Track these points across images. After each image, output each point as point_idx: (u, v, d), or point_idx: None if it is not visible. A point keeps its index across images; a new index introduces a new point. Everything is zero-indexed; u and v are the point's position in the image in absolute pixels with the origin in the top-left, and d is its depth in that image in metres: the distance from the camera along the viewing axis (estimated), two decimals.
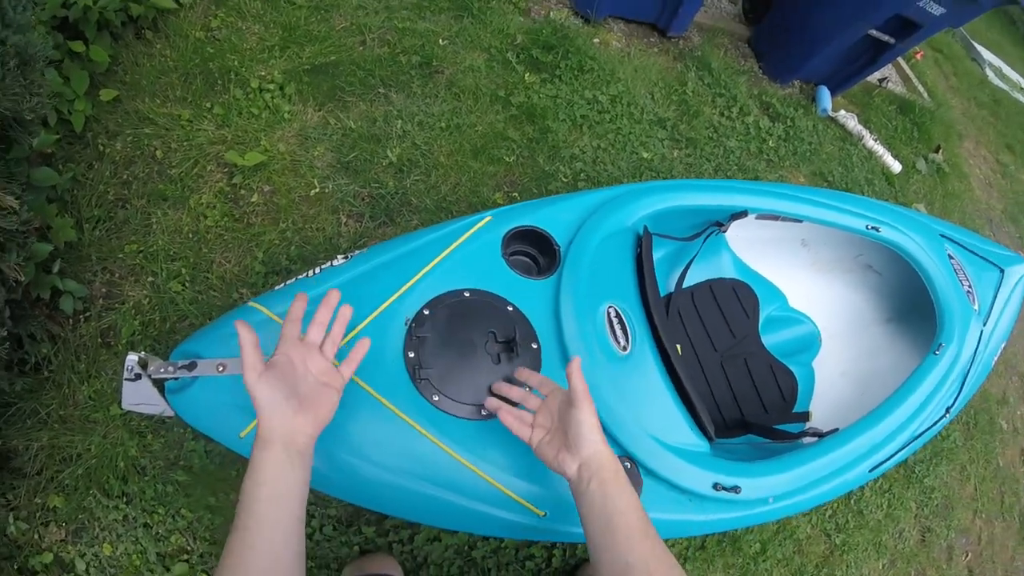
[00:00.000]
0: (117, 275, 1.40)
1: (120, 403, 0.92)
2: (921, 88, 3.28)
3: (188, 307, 1.37)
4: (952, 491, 2.07)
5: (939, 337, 1.30)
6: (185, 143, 1.56)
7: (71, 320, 1.34)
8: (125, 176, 1.50)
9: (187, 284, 1.40)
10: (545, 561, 1.40)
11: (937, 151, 2.97)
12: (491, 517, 0.86)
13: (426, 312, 0.94)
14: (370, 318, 0.92)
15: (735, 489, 0.96)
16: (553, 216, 1.15)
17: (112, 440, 1.26)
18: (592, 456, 0.72)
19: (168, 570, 1.22)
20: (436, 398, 0.88)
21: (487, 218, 1.11)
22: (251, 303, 0.94)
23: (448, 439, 0.86)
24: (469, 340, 0.94)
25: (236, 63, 1.70)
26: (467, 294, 0.99)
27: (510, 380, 0.90)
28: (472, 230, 1.08)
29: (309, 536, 1.26)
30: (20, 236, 1.10)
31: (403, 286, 0.96)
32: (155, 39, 1.68)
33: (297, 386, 0.69)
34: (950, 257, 1.45)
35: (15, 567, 1.18)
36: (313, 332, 0.73)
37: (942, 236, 1.51)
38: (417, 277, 0.98)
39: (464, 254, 1.04)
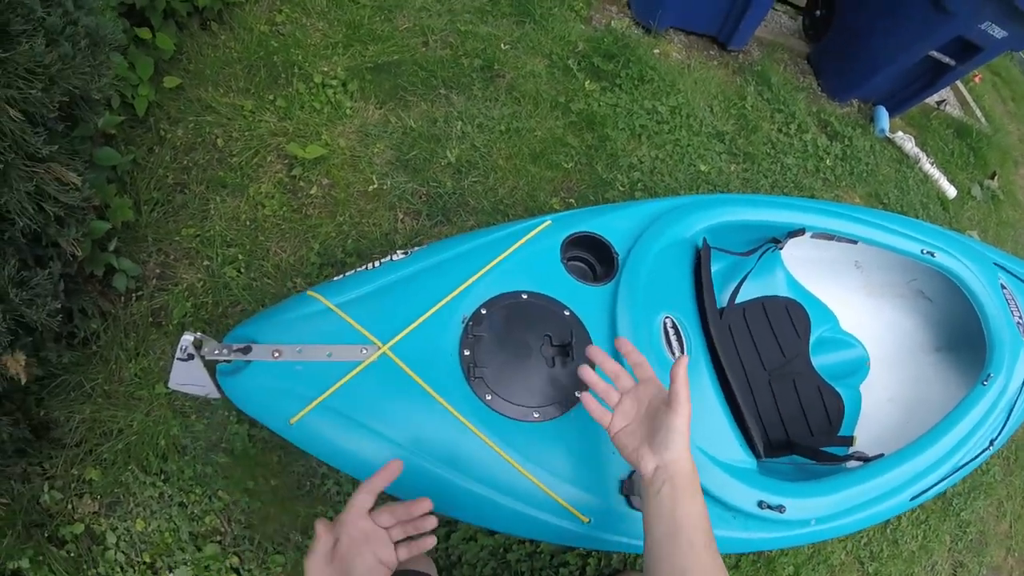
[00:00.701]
0: (172, 257, 1.43)
1: (167, 382, 0.93)
2: (979, 112, 3.19)
3: (241, 293, 1.38)
4: (988, 527, 1.98)
5: (987, 367, 1.27)
6: (246, 133, 1.59)
7: (122, 298, 1.36)
8: (185, 162, 1.53)
9: (242, 270, 1.42)
10: (579, 569, 1.36)
11: (993, 177, 2.88)
12: (535, 520, 0.84)
13: (484, 311, 0.93)
14: (428, 314, 0.91)
15: (780, 508, 0.93)
16: (612, 223, 1.13)
17: (155, 418, 1.27)
18: (674, 461, 0.68)
19: (200, 550, 1.22)
20: (489, 397, 0.86)
21: (547, 222, 1.09)
22: (309, 292, 0.94)
23: (499, 438, 0.84)
24: (525, 342, 0.91)
25: (300, 58, 1.72)
26: (525, 296, 0.97)
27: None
28: (532, 233, 1.07)
29: None
30: (80, 212, 1.12)
31: (462, 284, 0.95)
32: (220, 30, 1.72)
33: (352, 571, 0.65)
34: (1002, 287, 1.42)
35: (45, 535, 1.19)
36: (385, 518, 0.67)
37: (995, 264, 1.47)
38: (476, 276, 0.97)
39: (523, 256, 1.03)
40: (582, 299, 1.00)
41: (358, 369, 0.86)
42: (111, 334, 1.32)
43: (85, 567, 1.21)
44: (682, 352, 1.03)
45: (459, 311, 0.92)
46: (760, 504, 0.93)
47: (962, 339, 1.55)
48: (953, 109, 3.06)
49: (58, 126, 1.06)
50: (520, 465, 0.83)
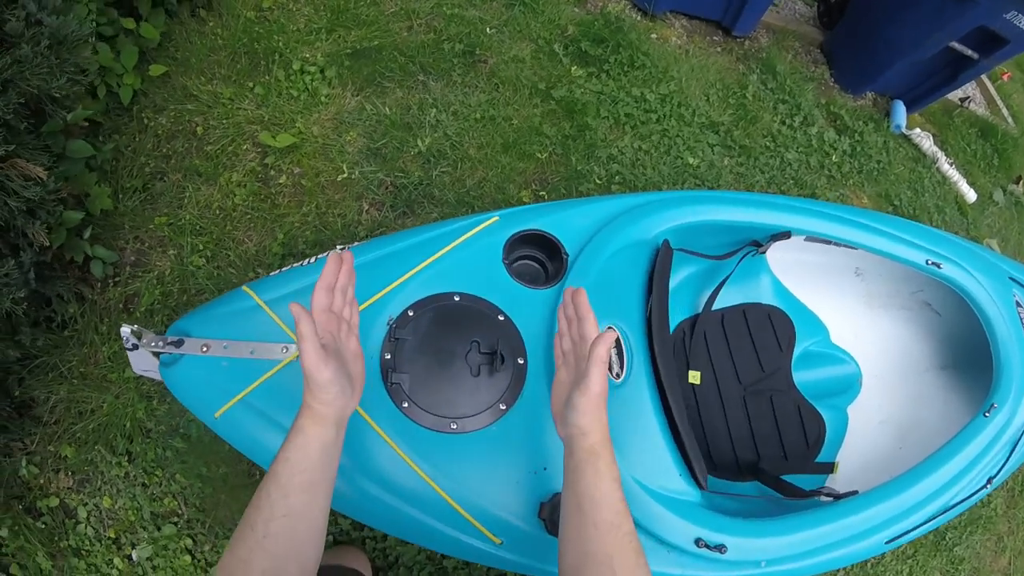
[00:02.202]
0: (147, 244, 1.46)
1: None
2: (1006, 112, 2.95)
3: (206, 282, 1.40)
4: (983, 563, 1.86)
5: (992, 396, 1.15)
6: (224, 121, 1.60)
7: (99, 284, 1.40)
8: (165, 150, 1.55)
9: (208, 259, 1.44)
10: None
11: (1018, 182, 2.67)
12: (444, 535, 0.82)
13: (410, 313, 0.90)
14: None
15: (720, 548, 0.86)
16: (567, 221, 1.08)
17: (124, 401, 1.32)
18: (571, 437, 0.66)
19: (159, 529, 1.27)
20: (405, 404, 0.84)
21: (494, 218, 1.05)
22: (243, 288, 0.94)
23: (411, 449, 0.82)
24: (450, 348, 0.89)
25: (281, 44, 1.72)
26: (457, 298, 0.94)
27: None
28: (475, 230, 1.03)
29: None
30: (49, 204, 1.15)
31: (392, 283, 0.93)
32: (208, 17, 1.73)
33: (346, 363, 0.65)
34: (1018, 304, 1.27)
35: (23, 507, 1.26)
36: (340, 303, 0.67)
37: (1011, 280, 1.33)
38: (408, 275, 0.95)
39: (463, 255, 0.99)
40: (521, 303, 0.96)
41: (277, 368, 0.86)
42: (87, 318, 1.36)
43: (58, 539, 1.27)
44: (621, 369, 0.97)
45: (385, 312, 0.90)
46: (698, 542, 0.86)
47: (969, 358, 1.42)
48: (978, 107, 2.84)
49: (20, 124, 1.08)
50: (430, 478, 0.81)
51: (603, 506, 0.61)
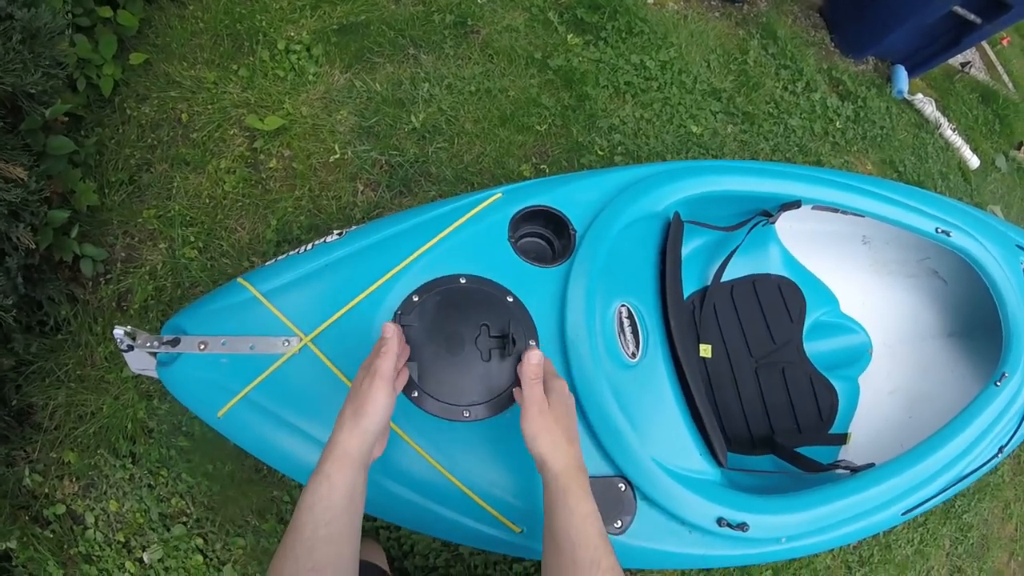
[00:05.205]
0: (137, 239, 1.41)
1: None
2: (1006, 77, 2.92)
3: (200, 274, 1.36)
4: (991, 530, 1.88)
5: (1003, 365, 1.14)
6: (209, 107, 1.53)
7: (91, 283, 1.35)
8: (150, 140, 1.49)
9: (201, 251, 1.39)
10: (535, 564, 1.33)
11: (1019, 148, 2.64)
12: (464, 527, 0.80)
13: (415, 298, 0.86)
14: (354, 302, 0.86)
15: (741, 527, 0.84)
16: (573, 195, 1.03)
17: (123, 401, 1.28)
18: (541, 459, 0.65)
19: (168, 530, 1.25)
20: (415, 394, 0.80)
21: (497, 195, 1.01)
22: (239, 280, 0.90)
23: (424, 439, 0.79)
24: (458, 332, 0.85)
25: (265, 23, 1.64)
26: (463, 280, 0.89)
27: None
28: (478, 208, 0.98)
29: None
30: (33, 204, 1.11)
31: (395, 268, 0.89)
32: (188, 0, 1.65)
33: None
34: None
35: (30, 516, 1.23)
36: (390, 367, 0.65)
37: (1019, 247, 1.31)
38: (411, 258, 0.91)
39: (467, 235, 0.95)
40: (530, 283, 0.92)
41: (280, 362, 0.83)
42: (81, 320, 1.32)
43: (67, 546, 1.25)
44: (636, 348, 0.94)
45: (389, 298, 0.87)
46: (720, 521, 0.85)
47: (978, 326, 1.41)
48: (979, 72, 2.79)
49: None
50: (445, 468, 0.78)
51: (579, 545, 0.59)
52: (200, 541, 1.23)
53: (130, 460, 1.27)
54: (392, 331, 0.65)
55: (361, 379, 0.64)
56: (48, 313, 1.28)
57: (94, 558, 1.23)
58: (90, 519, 1.25)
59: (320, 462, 0.59)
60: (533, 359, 0.68)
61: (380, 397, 0.59)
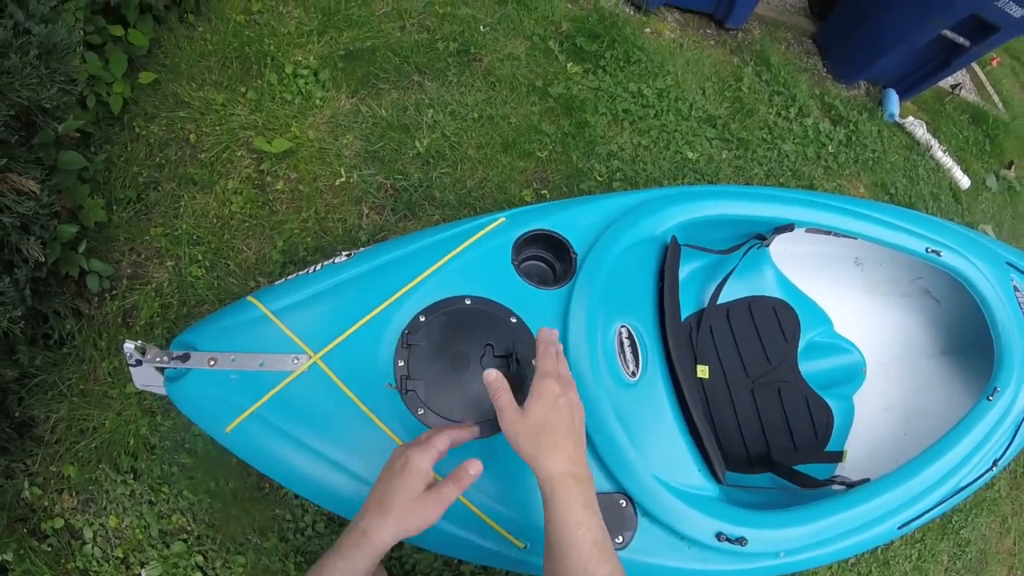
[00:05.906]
0: (143, 256, 1.43)
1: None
2: (996, 97, 3.01)
3: (206, 293, 1.38)
4: (989, 545, 1.89)
5: (995, 380, 1.17)
6: (217, 128, 1.57)
7: (96, 298, 1.37)
8: (159, 159, 1.52)
9: (207, 269, 1.41)
10: None
11: (1010, 167, 2.71)
12: (468, 542, 0.81)
13: (422, 319, 0.89)
14: (363, 321, 0.88)
15: (740, 541, 0.86)
16: (574, 220, 1.07)
17: (126, 417, 1.29)
18: (530, 464, 0.67)
19: (168, 547, 1.24)
20: (421, 411, 0.83)
21: (501, 219, 1.04)
22: (249, 298, 0.92)
23: None
24: (463, 352, 0.88)
25: (273, 47, 1.69)
26: (468, 301, 0.92)
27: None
28: (483, 231, 1.02)
29: (301, 531, 1.26)
30: (43, 218, 1.13)
31: (402, 288, 0.91)
32: (197, 22, 1.70)
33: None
34: (1015, 290, 1.30)
35: (27, 529, 1.23)
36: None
37: (1008, 265, 1.35)
38: (418, 279, 0.93)
39: (472, 257, 0.98)
40: (533, 304, 0.95)
41: (289, 379, 0.84)
42: (85, 334, 1.33)
43: (64, 561, 1.24)
44: (636, 367, 0.97)
45: (396, 318, 0.89)
46: (719, 536, 0.86)
47: (970, 344, 1.44)
48: (969, 94, 2.88)
49: (11, 137, 1.06)
50: None
51: (573, 553, 0.61)
52: (200, 558, 1.23)
53: (131, 476, 1.27)
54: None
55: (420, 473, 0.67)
56: (53, 326, 1.29)
57: (92, 573, 1.23)
58: (88, 534, 1.25)
59: (341, 540, 0.62)
60: (488, 378, 0.72)
61: (438, 515, 0.65)
